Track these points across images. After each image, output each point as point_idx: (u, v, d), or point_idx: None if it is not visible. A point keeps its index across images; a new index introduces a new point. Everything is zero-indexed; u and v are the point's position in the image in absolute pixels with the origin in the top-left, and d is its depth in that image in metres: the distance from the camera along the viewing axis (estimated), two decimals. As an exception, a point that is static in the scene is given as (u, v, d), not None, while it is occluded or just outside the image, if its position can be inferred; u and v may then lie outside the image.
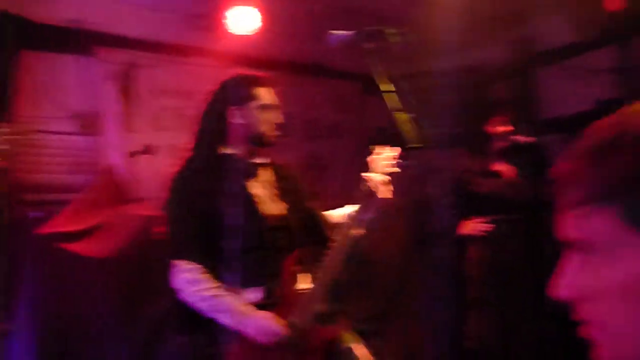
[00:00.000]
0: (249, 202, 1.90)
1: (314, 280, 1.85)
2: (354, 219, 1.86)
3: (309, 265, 1.99)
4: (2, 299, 2.37)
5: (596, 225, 0.56)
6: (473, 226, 2.94)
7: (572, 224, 0.59)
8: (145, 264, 2.54)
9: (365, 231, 1.88)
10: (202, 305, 1.76)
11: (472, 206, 3.01)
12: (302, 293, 1.87)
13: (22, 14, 3.75)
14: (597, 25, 3.67)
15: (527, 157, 3.10)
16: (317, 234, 2.01)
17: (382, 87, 1.52)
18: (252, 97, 1.98)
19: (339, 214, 2.06)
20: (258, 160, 2.02)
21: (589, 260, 0.58)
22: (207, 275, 1.78)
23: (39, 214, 3.43)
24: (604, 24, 3.70)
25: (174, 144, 4.23)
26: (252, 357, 1.76)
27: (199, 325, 1.80)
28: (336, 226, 2.01)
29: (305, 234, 1.97)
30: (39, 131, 3.88)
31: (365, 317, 2.87)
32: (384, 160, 1.87)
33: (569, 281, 0.60)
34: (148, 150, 3.69)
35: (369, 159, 1.92)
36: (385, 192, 1.84)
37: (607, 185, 0.54)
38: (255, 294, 1.84)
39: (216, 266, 1.79)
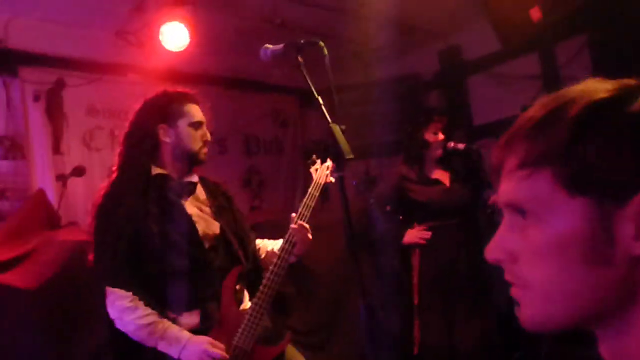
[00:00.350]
0: (187, 222, 1.84)
1: (254, 299, 1.82)
2: (285, 252, 1.86)
3: (247, 282, 1.96)
4: None
5: (531, 187, 0.60)
6: (414, 234, 3.01)
7: (507, 189, 0.63)
8: (78, 292, 2.42)
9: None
10: (140, 334, 1.69)
11: (411, 213, 3.08)
12: (244, 313, 1.83)
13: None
14: (521, 34, 3.89)
15: (461, 162, 3.22)
16: (250, 255, 1.98)
17: (316, 100, 1.53)
18: (182, 115, 1.93)
19: (269, 246, 2.07)
20: (190, 179, 1.96)
21: (519, 222, 0.62)
22: (141, 302, 1.71)
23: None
24: (527, 33, 3.94)
25: (106, 164, 4.09)
26: None
27: (139, 354, 1.72)
28: (268, 256, 2.02)
29: (242, 253, 1.94)
30: (-41, 157, 3.65)
31: (308, 330, 2.86)
32: (323, 171, 1.90)
33: (498, 243, 0.64)
34: (78, 172, 3.53)
35: (311, 170, 1.93)
36: (305, 240, 1.86)
37: (542, 151, 0.59)
38: (192, 318, 1.79)
39: (150, 291, 1.73)
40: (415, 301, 2.90)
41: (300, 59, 1.55)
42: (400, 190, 3.06)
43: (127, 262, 1.71)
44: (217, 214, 1.94)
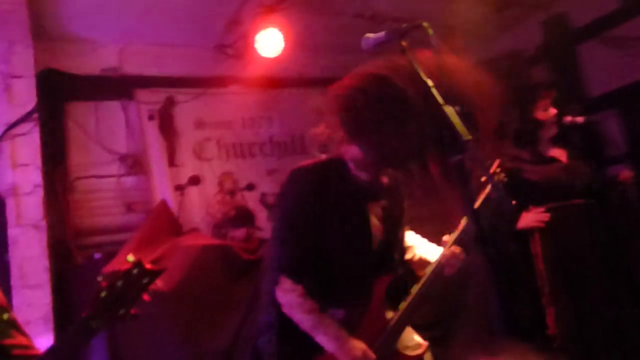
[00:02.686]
0: (363, 233, 1.83)
1: (400, 308, 1.83)
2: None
3: (398, 290, 1.94)
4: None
5: None
6: (532, 217, 2.80)
7: None
8: (206, 292, 2.57)
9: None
10: (304, 324, 1.75)
11: (527, 196, 2.87)
12: (388, 320, 1.83)
13: (65, 69, 3.97)
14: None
15: (578, 138, 2.95)
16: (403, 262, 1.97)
17: (425, 84, 1.46)
18: None
19: (422, 251, 2.03)
20: (380, 183, 1.91)
21: None
22: (309, 296, 1.76)
23: (101, 256, 3.56)
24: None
25: (216, 172, 4.32)
26: None
27: (295, 335, 1.77)
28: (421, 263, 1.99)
29: (399, 262, 1.93)
30: (91, 176, 4.05)
31: (428, 324, 2.77)
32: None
33: None
34: (194, 181, 3.76)
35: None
36: (455, 266, 1.84)
37: None
38: (336, 316, 1.81)
39: (315, 285, 1.77)
40: (546, 289, 2.69)
41: (404, 43, 1.50)
42: (514, 172, 2.86)
43: (308, 257, 1.76)
44: (385, 218, 1.89)
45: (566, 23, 4.27)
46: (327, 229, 1.77)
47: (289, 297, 1.76)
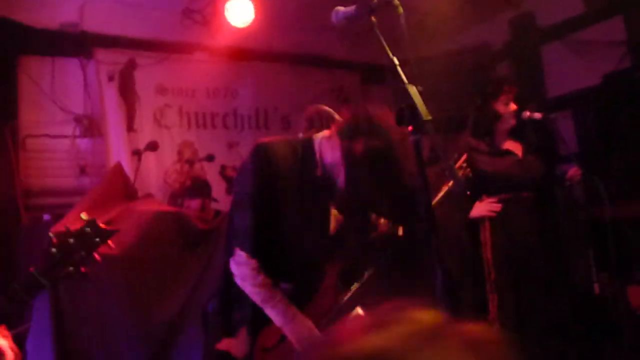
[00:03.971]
0: (323, 225, 1.86)
1: (351, 288, 1.87)
2: None
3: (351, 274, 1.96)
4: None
5: None
6: (485, 207, 2.89)
7: None
8: (157, 259, 2.53)
9: None
10: (255, 297, 1.78)
11: (480, 186, 2.96)
12: (339, 298, 1.87)
13: (21, 20, 3.76)
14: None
15: (534, 134, 3.05)
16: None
17: (391, 61, 1.47)
18: None
19: None
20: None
21: None
22: (262, 270, 1.79)
23: (50, 218, 3.45)
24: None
25: (176, 141, 4.24)
26: (278, 351, 1.79)
27: (245, 303, 1.80)
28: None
29: (354, 243, 1.95)
30: (44, 135, 3.90)
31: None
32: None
33: None
34: (152, 146, 3.67)
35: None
36: None
37: None
38: (285, 289, 1.84)
39: (267, 261, 1.80)
40: (492, 276, 2.80)
41: (373, 18, 1.50)
42: (469, 163, 2.94)
43: (262, 230, 1.77)
44: (345, 207, 1.91)
45: (533, 22, 4.38)
46: (285, 207, 1.79)
47: (242, 269, 1.78)
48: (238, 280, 1.80)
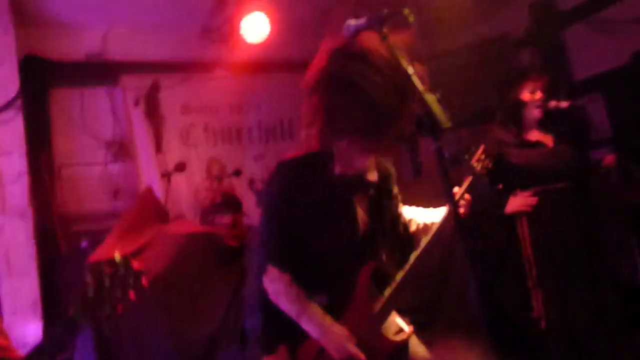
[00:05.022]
0: (349, 223, 1.86)
1: (385, 294, 1.85)
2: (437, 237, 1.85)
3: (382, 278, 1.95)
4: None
5: None
6: (520, 201, 2.81)
7: None
8: (192, 280, 2.58)
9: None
10: (290, 311, 1.79)
11: (512, 180, 2.88)
12: (373, 306, 1.85)
13: (47, 55, 3.90)
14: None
15: (564, 122, 2.96)
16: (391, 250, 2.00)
17: (407, 70, 1.46)
18: None
19: (419, 218, 2.04)
20: (368, 177, 1.93)
21: None
22: (294, 284, 1.80)
23: (88, 243, 3.55)
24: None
25: (202, 158, 4.31)
26: None
27: (279, 319, 1.81)
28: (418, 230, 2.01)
29: (385, 249, 1.95)
30: (77, 163, 4.02)
31: (412, 309, 2.80)
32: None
33: None
34: (180, 167, 3.74)
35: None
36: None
37: None
38: (320, 300, 1.84)
39: (299, 273, 1.81)
40: (534, 272, 2.73)
41: (385, 30, 1.49)
42: (498, 156, 2.87)
43: (293, 246, 1.80)
44: (371, 209, 1.91)
45: (553, 6, 4.26)
46: (312, 221, 1.81)
47: (276, 285, 1.80)
48: (272, 297, 1.81)
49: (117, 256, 1.43)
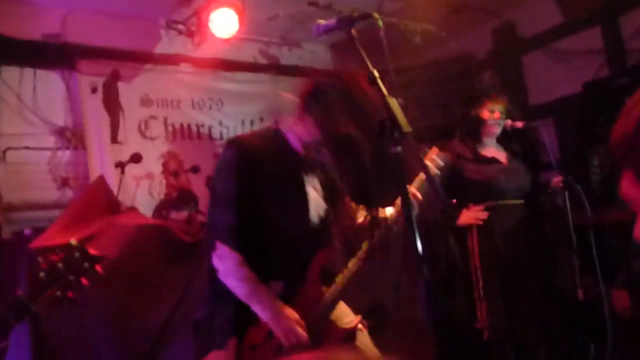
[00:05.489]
0: (303, 206, 1.86)
1: (336, 281, 1.85)
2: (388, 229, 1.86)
3: (334, 265, 1.96)
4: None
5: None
6: (472, 214, 2.91)
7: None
8: (141, 273, 2.50)
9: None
10: (240, 291, 1.75)
11: (466, 194, 2.98)
12: (324, 292, 1.85)
13: (1, 31, 3.72)
14: (582, 7, 3.66)
15: (518, 142, 3.09)
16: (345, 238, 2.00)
17: (371, 74, 1.48)
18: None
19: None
20: (319, 157, 1.95)
21: None
22: (245, 264, 1.76)
23: (32, 232, 3.38)
24: (590, 4, 3.70)
25: (161, 152, 4.21)
26: (267, 347, 1.76)
27: (229, 301, 1.77)
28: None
29: (338, 237, 1.95)
30: (25, 147, 3.84)
31: (363, 313, 2.82)
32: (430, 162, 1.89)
33: None
34: (136, 159, 3.64)
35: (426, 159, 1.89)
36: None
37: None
38: (276, 288, 1.82)
39: (250, 255, 1.78)
40: (481, 283, 2.81)
41: (353, 32, 1.51)
42: (454, 170, 2.95)
43: (244, 225, 1.76)
44: (324, 191, 1.93)
45: (514, 32, 4.45)
46: (263, 198, 1.79)
47: (225, 262, 1.75)
48: (221, 276, 1.77)
49: (74, 240, 1.39)
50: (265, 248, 1.80)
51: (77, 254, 1.41)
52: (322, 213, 1.91)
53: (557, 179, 2.82)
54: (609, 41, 3.87)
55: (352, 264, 1.85)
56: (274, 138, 1.88)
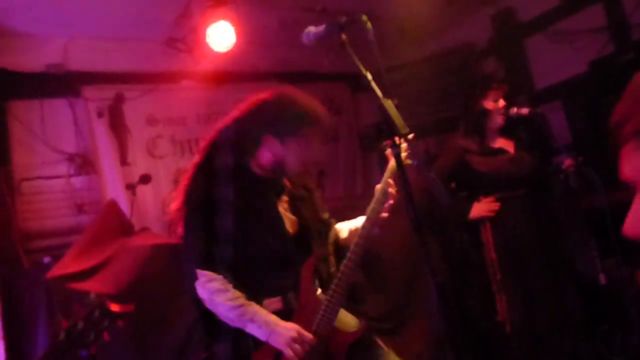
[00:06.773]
0: (277, 220, 1.87)
1: (332, 285, 1.83)
2: (371, 221, 1.85)
3: (324, 271, 1.95)
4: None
5: None
6: (484, 207, 2.87)
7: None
8: (157, 293, 2.52)
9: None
10: (230, 315, 1.73)
11: (476, 187, 2.94)
12: (321, 299, 1.84)
13: (5, 66, 3.79)
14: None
15: (525, 129, 3.04)
16: (328, 243, 1.99)
17: (365, 77, 1.47)
18: (299, 135, 1.88)
19: (351, 225, 2.05)
20: (283, 181, 1.98)
21: None
22: (230, 285, 1.75)
23: (51, 260, 3.43)
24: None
25: (170, 170, 4.24)
26: None
27: (225, 334, 1.76)
28: (351, 235, 2.00)
29: (320, 244, 1.94)
30: (38, 177, 3.90)
31: (381, 316, 2.81)
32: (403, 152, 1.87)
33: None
34: (145, 179, 3.67)
35: (387, 152, 1.88)
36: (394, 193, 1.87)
37: None
38: (274, 305, 1.81)
39: (237, 277, 1.77)
40: (498, 276, 2.77)
41: (344, 37, 1.50)
42: (462, 164, 2.92)
43: (223, 247, 1.74)
44: (293, 209, 1.94)
45: (514, 17, 4.39)
46: (240, 223, 1.78)
47: (210, 286, 1.73)
48: (208, 305, 1.75)
49: (93, 295, 1.39)
50: (254, 269, 1.79)
51: (96, 312, 1.40)
52: (298, 227, 1.92)
53: (568, 161, 2.77)
54: (612, 17, 3.79)
55: (343, 266, 1.83)
56: (240, 167, 1.90)
